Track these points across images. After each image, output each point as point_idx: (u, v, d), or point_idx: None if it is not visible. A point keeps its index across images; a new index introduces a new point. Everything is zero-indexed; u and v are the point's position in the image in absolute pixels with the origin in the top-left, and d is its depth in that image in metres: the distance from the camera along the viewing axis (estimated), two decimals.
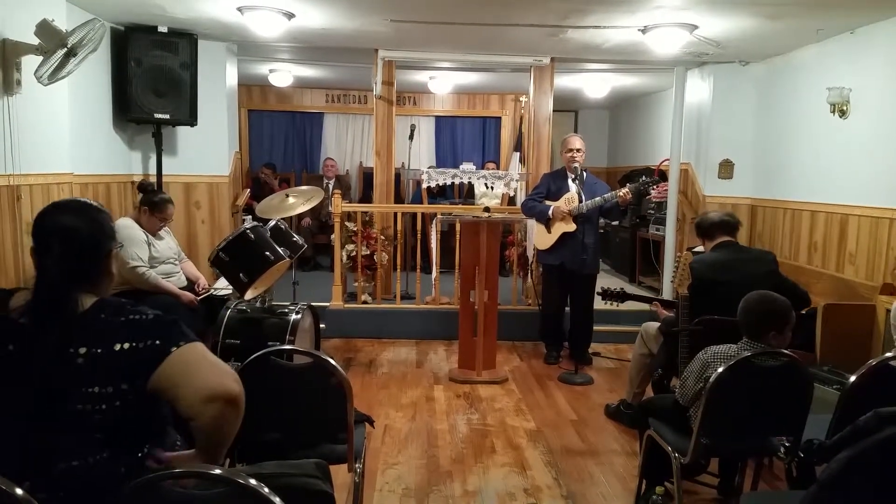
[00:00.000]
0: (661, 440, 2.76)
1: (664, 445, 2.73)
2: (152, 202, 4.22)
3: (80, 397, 1.44)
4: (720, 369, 2.44)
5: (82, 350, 1.45)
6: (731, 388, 2.46)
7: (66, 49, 3.58)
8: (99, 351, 1.46)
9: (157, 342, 1.50)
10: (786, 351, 2.53)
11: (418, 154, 9.25)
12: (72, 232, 1.56)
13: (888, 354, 2.66)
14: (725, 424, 2.54)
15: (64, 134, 4.22)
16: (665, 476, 2.79)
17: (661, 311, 3.68)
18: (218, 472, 1.35)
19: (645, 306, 4.23)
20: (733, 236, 3.49)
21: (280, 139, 9.44)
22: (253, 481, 1.31)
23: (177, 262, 4.43)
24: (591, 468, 3.47)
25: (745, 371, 2.45)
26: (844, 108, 4.58)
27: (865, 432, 1.86)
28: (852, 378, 2.52)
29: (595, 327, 5.29)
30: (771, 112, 5.68)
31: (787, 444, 2.59)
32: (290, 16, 4.61)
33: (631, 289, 7.26)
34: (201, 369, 1.50)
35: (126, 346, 1.48)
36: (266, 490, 1.29)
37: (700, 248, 3.68)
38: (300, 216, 7.35)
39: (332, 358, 2.23)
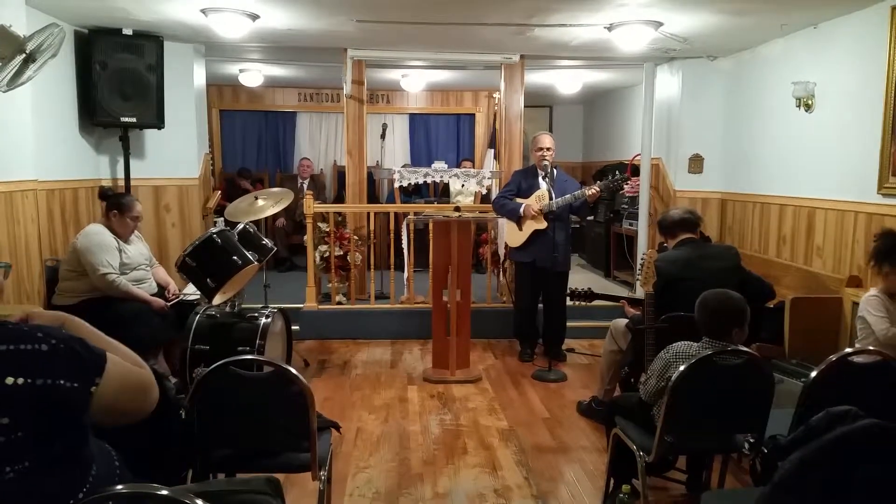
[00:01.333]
0: (627, 438, 2.78)
1: (629, 444, 2.75)
2: (119, 203, 4.16)
3: None
4: (681, 368, 2.46)
5: None
6: (693, 386, 2.48)
7: (24, 55, 3.51)
8: None
9: (72, 383, 1.39)
10: (745, 349, 2.55)
11: (393, 152, 9.22)
12: None
13: (847, 350, 2.70)
14: (688, 422, 2.57)
15: (27, 140, 4.15)
16: (632, 474, 2.81)
17: (628, 309, 3.70)
18: (165, 492, 1.33)
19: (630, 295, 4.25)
20: (695, 233, 3.52)
21: (253, 139, 9.37)
22: (200, 501, 1.30)
23: (148, 268, 4.38)
24: (562, 466, 3.49)
25: (706, 370, 2.48)
26: (809, 102, 4.63)
27: (817, 432, 1.88)
28: (813, 374, 2.55)
29: (569, 323, 5.32)
30: (739, 106, 5.73)
31: (750, 441, 2.62)
32: (255, 17, 4.56)
33: (605, 284, 7.38)
34: (131, 399, 1.49)
35: (20, 381, 1.33)
36: None
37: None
38: (274, 217, 7.29)
39: (291, 366, 2.22)
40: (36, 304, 3.97)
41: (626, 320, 3.77)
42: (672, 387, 2.46)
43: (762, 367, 2.56)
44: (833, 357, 2.57)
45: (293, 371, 2.18)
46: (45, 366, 1.37)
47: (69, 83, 5.00)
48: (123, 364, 1.50)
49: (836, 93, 4.45)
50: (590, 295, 3.90)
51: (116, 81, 5.06)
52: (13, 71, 3.49)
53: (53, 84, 4.68)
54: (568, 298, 4.23)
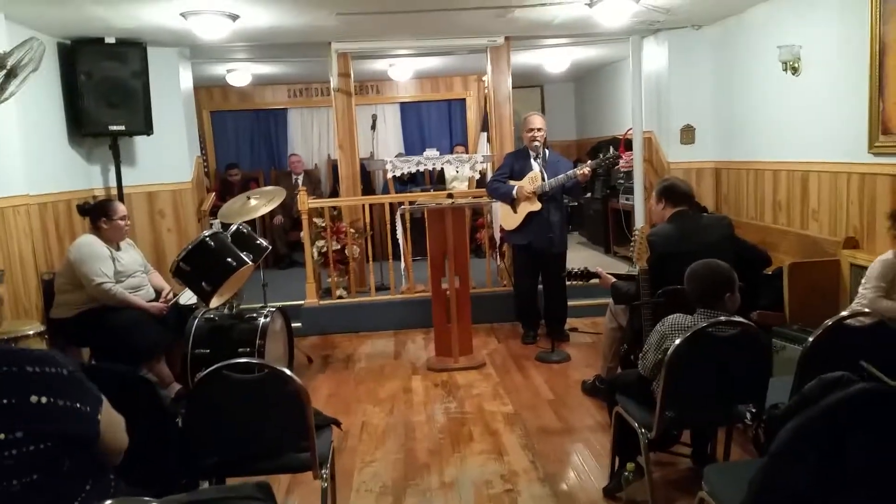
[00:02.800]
0: (628, 416, 2.78)
1: (630, 421, 2.75)
2: (102, 210, 4.16)
3: None
4: (677, 341, 2.46)
5: None
6: (690, 359, 2.48)
7: (5, 71, 3.50)
8: (8, 401, 1.43)
9: (85, 406, 1.52)
10: (740, 318, 2.55)
11: (386, 143, 9.20)
12: None
13: (843, 313, 2.68)
14: (688, 396, 2.57)
15: (15, 156, 4.15)
16: (637, 451, 2.82)
17: (604, 276, 3.68)
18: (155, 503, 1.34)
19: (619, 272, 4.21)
20: (690, 206, 3.50)
21: (245, 138, 9.35)
22: None
23: (143, 275, 4.39)
24: (568, 447, 3.50)
25: (702, 341, 2.47)
26: (796, 65, 4.59)
27: (811, 399, 1.88)
28: (809, 339, 2.54)
29: (570, 302, 5.31)
30: (727, 74, 5.68)
31: (752, 411, 2.62)
32: (235, 17, 4.53)
33: (605, 260, 7.37)
34: (116, 431, 1.64)
35: (44, 399, 1.45)
36: None
37: None
38: (272, 214, 7.29)
39: (293, 364, 2.23)
40: (34, 319, 3.98)
41: None
42: (669, 360, 2.46)
43: (758, 335, 2.56)
44: (829, 321, 2.55)
45: (286, 371, 2.19)
46: (67, 389, 1.50)
47: (55, 95, 4.98)
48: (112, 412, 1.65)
49: (821, 55, 4.40)
50: (586, 274, 3.88)
51: (102, 90, 5.04)
52: None
53: (40, 97, 4.66)
54: (566, 279, 4.21)
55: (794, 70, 4.60)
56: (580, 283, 4.03)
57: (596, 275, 3.83)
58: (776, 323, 4.01)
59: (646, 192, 6.25)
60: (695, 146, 6.05)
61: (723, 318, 2.54)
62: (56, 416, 1.46)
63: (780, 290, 4.21)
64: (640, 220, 6.20)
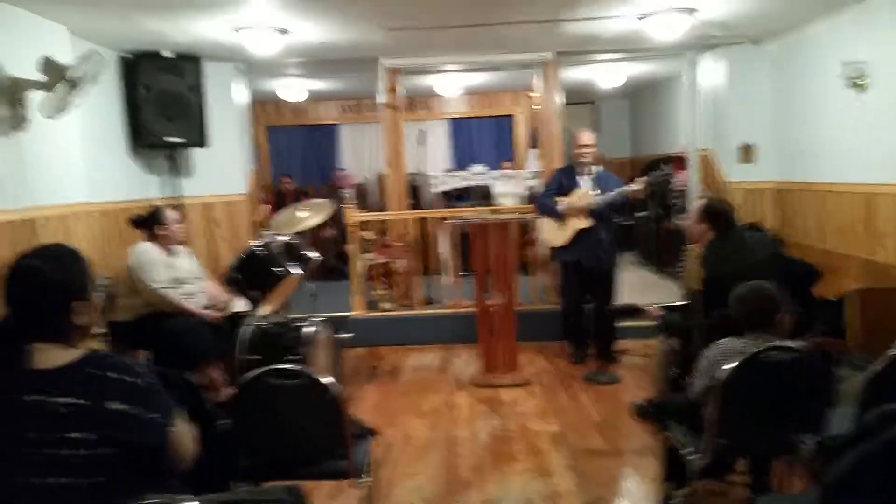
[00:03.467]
0: (677, 441, 2.69)
1: (680, 447, 2.65)
2: (152, 217, 4.27)
3: (58, 443, 1.47)
4: (729, 366, 2.36)
5: (65, 400, 1.48)
6: (742, 385, 2.39)
7: (67, 83, 3.64)
8: (86, 403, 1.49)
9: (157, 416, 1.57)
10: (796, 343, 2.44)
11: (434, 158, 9.22)
12: (33, 277, 1.56)
13: None
14: (740, 423, 2.47)
15: (77, 164, 4.29)
16: (686, 479, 2.71)
17: (652, 311, 3.60)
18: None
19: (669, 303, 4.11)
20: (733, 226, 3.40)
21: (298, 153, 9.52)
22: None
23: (198, 282, 4.48)
24: (616, 471, 3.40)
25: (755, 367, 2.37)
26: (862, 82, 4.41)
27: (871, 431, 1.77)
28: (873, 368, 2.41)
29: (621, 323, 5.19)
30: (788, 91, 5.51)
31: (809, 441, 2.49)
32: (284, 31, 4.61)
33: (656, 281, 7.20)
34: (187, 442, 1.69)
35: (121, 406, 1.51)
36: None
37: None
38: (322, 227, 7.38)
39: (339, 374, 2.24)
40: (95, 324, 4.08)
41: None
42: (720, 386, 2.37)
43: (816, 361, 2.44)
44: (893, 350, 2.42)
45: (325, 379, 2.19)
46: (142, 399, 1.56)
47: (116, 107, 5.15)
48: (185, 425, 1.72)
49: (888, 70, 4.22)
50: (632, 311, 3.78)
51: (160, 103, 5.18)
52: (58, 98, 3.63)
53: (102, 108, 4.83)
54: (622, 297, 4.11)
55: (860, 87, 4.43)
56: (628, 320, 3.93)
57: (642, 310, 3.75)
58: (836, 350, 3.83)
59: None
60: (754, 165, 5.87)
61: (777, 342, 2.44)
62: (128, 424, 1.51)
63: (841, 316, 4.03)
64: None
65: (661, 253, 7.44)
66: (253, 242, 4.16)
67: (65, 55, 4.03)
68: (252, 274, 4.03)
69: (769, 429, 2.53)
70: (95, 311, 1.65)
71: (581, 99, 9.53)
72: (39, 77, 3.58)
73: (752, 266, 2.96)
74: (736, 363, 2.36)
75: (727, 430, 2.46)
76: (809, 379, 2.43)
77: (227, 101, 5.81)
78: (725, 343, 2.53)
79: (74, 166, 4.26)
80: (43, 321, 1.55)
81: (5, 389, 1.49)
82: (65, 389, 1.48)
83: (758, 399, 2.43)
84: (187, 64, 5.25)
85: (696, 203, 3.50)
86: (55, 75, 3.57)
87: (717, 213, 3.41)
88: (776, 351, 2.40)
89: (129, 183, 5.25)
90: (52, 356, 1.53)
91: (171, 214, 4.31)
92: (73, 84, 3.59)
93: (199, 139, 5.36)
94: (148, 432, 1.55)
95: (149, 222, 4.28)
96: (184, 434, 1.68)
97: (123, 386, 1.53)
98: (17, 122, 3.67)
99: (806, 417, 2.49)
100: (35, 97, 3.66)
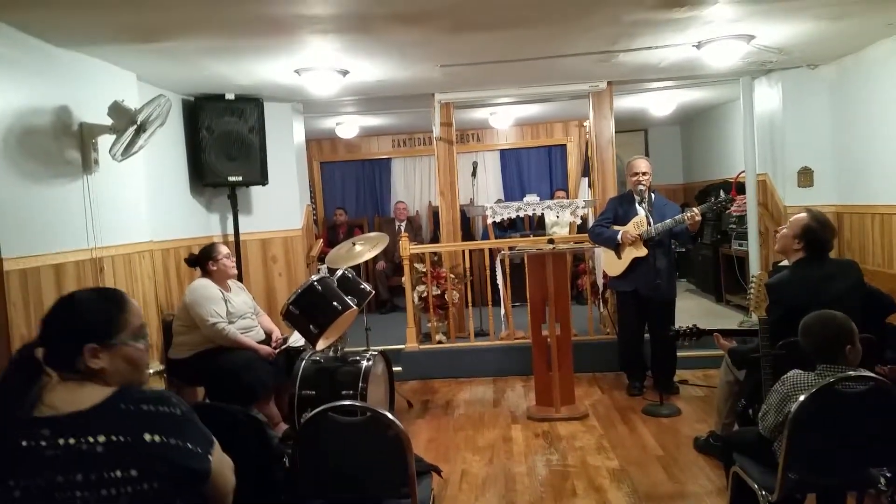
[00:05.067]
0: (747, 477, 2.59)
1: (750, 483, 2.56)
2: (204, 253, 4.41)
3: (100, 483, 1.45)
4: (802, 397, 2.28)
5: (101, 439, 1.46)
6: (815, 418, 2.30)
7: (135, 126, 3.81)
8: (123, 439, 1.47)
9: (196, 446, 1.55)
10: (870, 373, 2.34)
11: (486, 189, 9.27)
12: (51, 313, 1.61)
13: None
14: (813, 457, 2.37)
15: (141, 204, 4.45)
16: None
17: (720, 342, 3.47)
18: None
19: (732, 327, 3.98)
20: (824, 254, 3.26)
21: (351, 187, 9.69)
22: None
23: (254, 317, 4.57)
24: None
25: (828, 399, 2.28)
26: None
27: None
28: None
29: (680, 353, 5.08)
30: (847, 114, 5.38)
31: (886, 476, 2.38)
32: (345, 73, 4.74)
33: (716, 309, 7.03)
34: (226, 473, 1.65)
35: (157, 438, 1.49)
36: None
37: (785, 263, 3.46)
38: (374, 260, 7.47)
39: (394, 408, 2.24)
40: (154, 359, 4.21)
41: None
42: (792, 420, 2.28)
43: (892, 392, 2.33)
44: None
45: (389, 415, 2.19)
46: (179, 429, 1.53)
47: (180, 148, 5.36)
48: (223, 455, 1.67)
49: None
50: (696, 333, 3.65)
51: (222, 144, 5.36)
52: (126, 141, 3.79)
53: (166, 150, 5.03)
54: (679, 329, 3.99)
55: None
56: (690, 343, 3.81)
57: (705, 332, 3.62)
58: None
59: (760, 237, 5.96)
60: (813, 189, 5.73)
61: (851, 373, 2.34)
62: (168, 456, 1.48)
63: None
64: (755, 267, 5.91)
65: (719, 280, 7.26)
66: (313, 277, 4.22)
67: (132, 100, 4.23)
68: (310, 308, 4.09)
69: (842, 463, 2.43)
70: (124, 360, 1.60)
71: (632, 127, 9.49)
72: (109, 121, 3.76)
73: (837, 295, 2.86)
74: (808, 394, 2.27)
75: (799, 464, 2.36)
76: (885, 410, 2.33)
77: (285, 140, 5.97)
78: (796, 377, 2.44)
79: (140, 206, 4.43)
80: (53, 356, 1.56)
81: (31, 436, 1.46)
82: (100, 428, 1.47)
83: (831, 432, 2.34)
84: (248, 105, 5.43)
85: (799, 215, 3.30)
86: (124, 119, 3.74)
87: (817, 239, 3.22)
88: (850, 381, 2.31)
89: (190, 221, 5.42)
90: (78, 396, 1.53)
91: (222, 249, 4.43)
92: (141, 127, 3.75)
93: (259, 178, 5.51)
94: (189, 462, 1.52)
95: (201, 259, 4.41)
96: (224, 464, 1.65)
97: (158, 417, 1.52)
98: (88, 165, 3.85)
99: (881, 450, 2.38)
100: (105, 141, 3.85)
